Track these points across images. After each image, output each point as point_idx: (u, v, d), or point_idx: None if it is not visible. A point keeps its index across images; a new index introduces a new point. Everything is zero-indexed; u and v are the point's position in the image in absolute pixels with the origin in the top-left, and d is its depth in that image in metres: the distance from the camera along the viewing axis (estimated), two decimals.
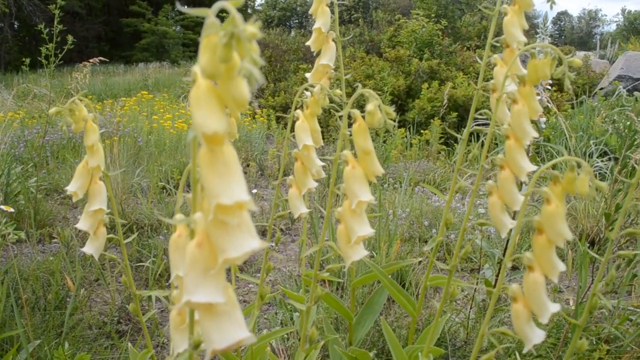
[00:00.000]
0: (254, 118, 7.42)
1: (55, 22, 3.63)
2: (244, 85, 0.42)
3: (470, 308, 2.02)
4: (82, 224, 1.10)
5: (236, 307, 0.49)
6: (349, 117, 0.84)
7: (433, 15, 11.75)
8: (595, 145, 4.01)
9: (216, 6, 0.42)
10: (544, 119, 2.28)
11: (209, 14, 0.40)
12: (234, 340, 0.47)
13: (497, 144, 4.59)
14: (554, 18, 60.72)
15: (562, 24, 61.45)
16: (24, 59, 4.38)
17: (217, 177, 0.44)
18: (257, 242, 0.46)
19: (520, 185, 1.14)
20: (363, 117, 0.78)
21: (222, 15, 0.43)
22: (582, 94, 6.94)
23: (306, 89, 1.13)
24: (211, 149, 0.45)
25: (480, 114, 1.06)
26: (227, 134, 0.43)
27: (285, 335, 2.02)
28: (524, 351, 0.72)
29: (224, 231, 0.46)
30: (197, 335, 0.56)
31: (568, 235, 0.71)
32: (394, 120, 0.80)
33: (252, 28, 0.38)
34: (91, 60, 4.12)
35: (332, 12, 1.38)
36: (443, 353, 1.30)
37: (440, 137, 6.06)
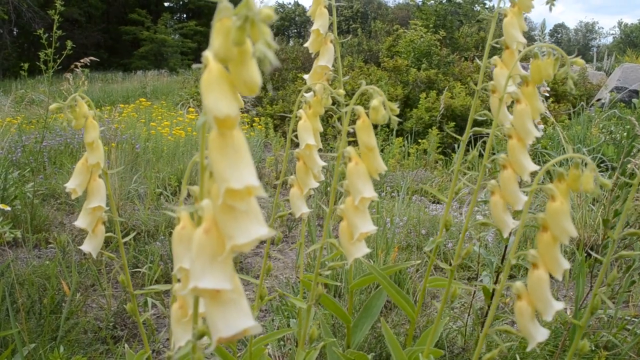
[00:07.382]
0: (251, 126, 7.43)
1: (55, 28, 3.61)
2: (255, 69, 0.42)
3: (468, 315, 2.01)
4: (81, 222, 1.09)
5: (242, 295, 0.49)
6: (352, 114, 0.85)
7: (431, 25, 11.83)
8: (591, 154, 4.02)
9: None
10: (541, 126, 2.29)
11: None
12: (239, 328, 0.47)
13: (494, 152, 4.59)
14: (550, 30, 61.09)
15: (559, 36, 61.76)
16: (22, 65, 4.36)
17: (227, 162, 0.44)
18: (265, 229, 0.45)
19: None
20: (367, 113, 0.78)
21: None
22: (580, 105, 6.97)
23: (307, 91, 1.13)
24: (222, 133, 0.44)
25: (480, 116, 1.07)
26: (238, 118, 0.43)
27: (282, 342, 2.01)
28: (528, 349, 0.72)
29: (232, 217, 0.45)
30: (200, 326, 0.56)
31: (573, 232, 0.71)
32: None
33: (267, 10, 0.38)
34: (82, 61, 4.07)
35: (330, 14, 1.37)
36: (442, 354, 1.29)
37: (438, 147, 6.08)
